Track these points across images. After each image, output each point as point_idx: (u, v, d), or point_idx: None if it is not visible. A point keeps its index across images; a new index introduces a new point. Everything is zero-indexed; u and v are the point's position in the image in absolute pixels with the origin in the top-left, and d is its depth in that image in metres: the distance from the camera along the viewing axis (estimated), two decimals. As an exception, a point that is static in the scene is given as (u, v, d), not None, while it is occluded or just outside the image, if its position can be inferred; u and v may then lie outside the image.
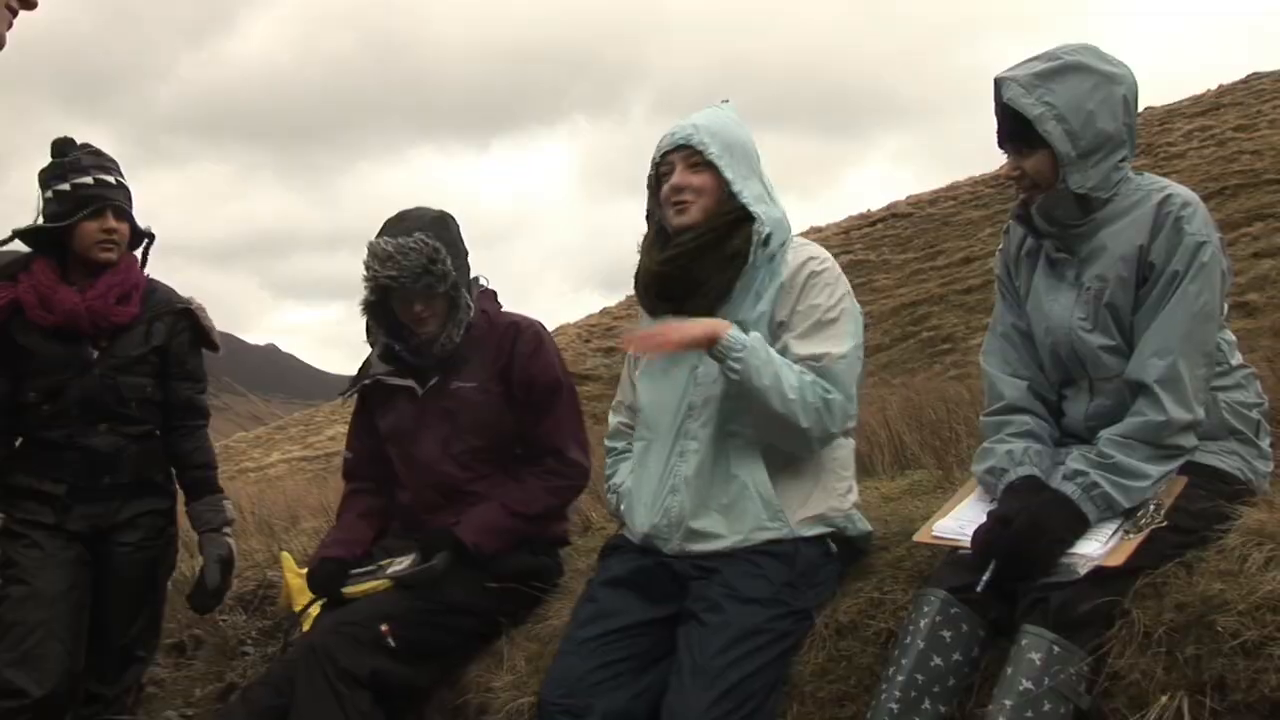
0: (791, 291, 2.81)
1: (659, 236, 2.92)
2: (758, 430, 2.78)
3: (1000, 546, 2.45)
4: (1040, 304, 2.74)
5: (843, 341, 2.76)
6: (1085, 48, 2.60)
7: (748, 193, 2.84)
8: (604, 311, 33.90)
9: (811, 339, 2.76)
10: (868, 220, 35.53)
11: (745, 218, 2.83)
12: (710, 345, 2.68)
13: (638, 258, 2.95)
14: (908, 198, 36.89)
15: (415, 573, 3.22)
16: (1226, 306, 2.60)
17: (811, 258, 2.85)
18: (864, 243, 32.28)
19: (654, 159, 2.91)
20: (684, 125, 2.87)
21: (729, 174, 2.83)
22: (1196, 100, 33.98)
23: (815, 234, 34.22)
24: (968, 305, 23.16)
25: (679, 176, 2.85)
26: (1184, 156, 27.55)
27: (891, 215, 35.28)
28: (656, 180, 2.92)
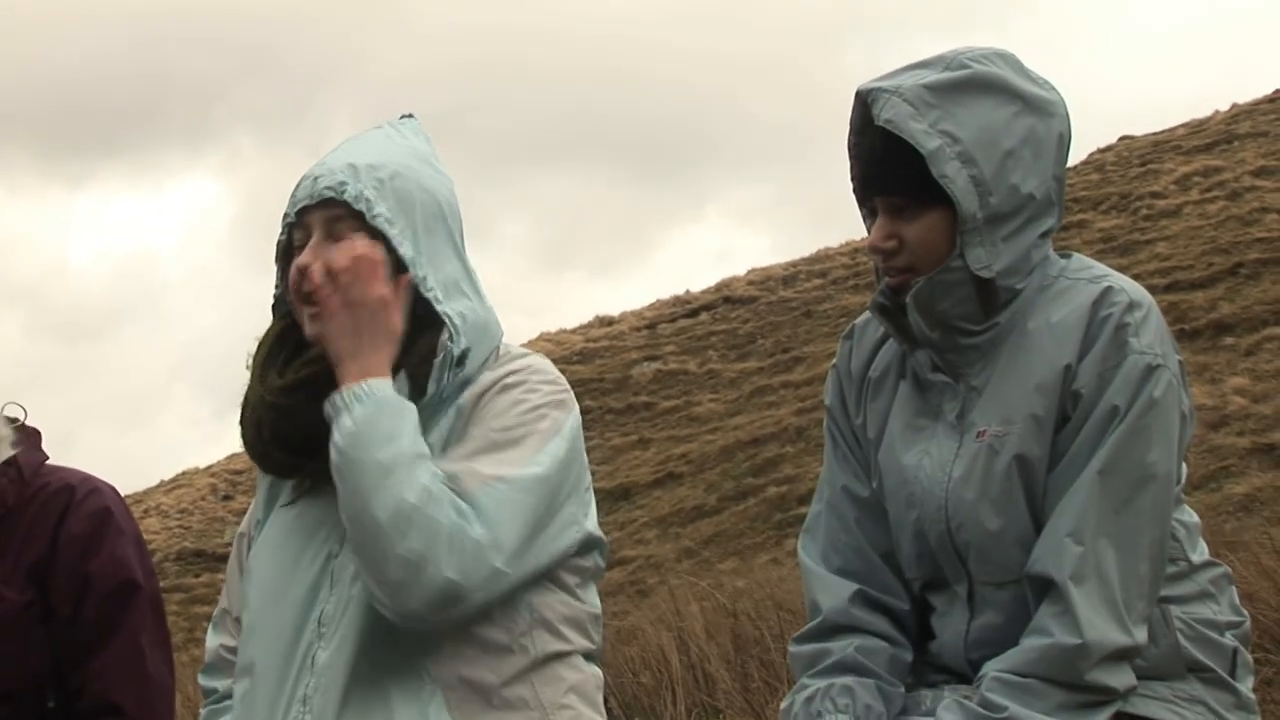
0: (462, 417, 2.60)
1: (285, 343, 2.69)
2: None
3: None
4: (898, 456, 2.64)
5: (518, 465, 2.51)
6: (1001, 55, 2.52)
7: (434, 279, 2.61)
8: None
9: (469, 460, 2.51)
10: (686, 307, 35.06)
11: (427, 322, 2.60)
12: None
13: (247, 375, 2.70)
14: (749, 272, 36.77)
15: None
16: (1185, 469, 2.53)
17: (513, 371, 2.64)
18: (679, 343, 31.17)
19: (285, 214, 2.66)
20: (331, 165, 2.62)
21: (405, 249, 2.58)
22: (1198, 128, 33.39)
23: (604, 328, 33.71)
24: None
25: (314, 252, 2.57)
26: (1177, 215, 26.20)
27: (724, 300, 34.60)
28: (288, 250, 2.68)
